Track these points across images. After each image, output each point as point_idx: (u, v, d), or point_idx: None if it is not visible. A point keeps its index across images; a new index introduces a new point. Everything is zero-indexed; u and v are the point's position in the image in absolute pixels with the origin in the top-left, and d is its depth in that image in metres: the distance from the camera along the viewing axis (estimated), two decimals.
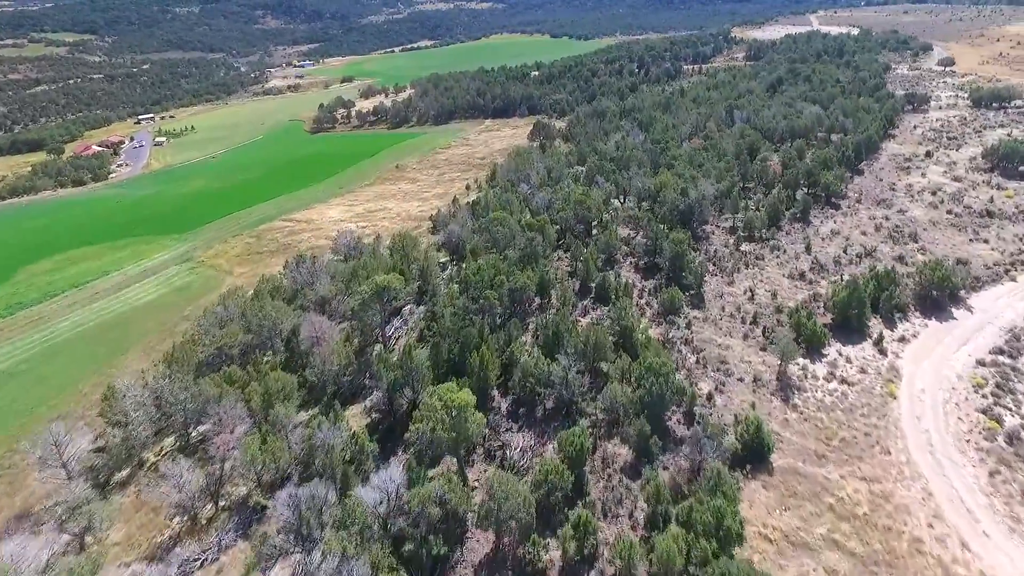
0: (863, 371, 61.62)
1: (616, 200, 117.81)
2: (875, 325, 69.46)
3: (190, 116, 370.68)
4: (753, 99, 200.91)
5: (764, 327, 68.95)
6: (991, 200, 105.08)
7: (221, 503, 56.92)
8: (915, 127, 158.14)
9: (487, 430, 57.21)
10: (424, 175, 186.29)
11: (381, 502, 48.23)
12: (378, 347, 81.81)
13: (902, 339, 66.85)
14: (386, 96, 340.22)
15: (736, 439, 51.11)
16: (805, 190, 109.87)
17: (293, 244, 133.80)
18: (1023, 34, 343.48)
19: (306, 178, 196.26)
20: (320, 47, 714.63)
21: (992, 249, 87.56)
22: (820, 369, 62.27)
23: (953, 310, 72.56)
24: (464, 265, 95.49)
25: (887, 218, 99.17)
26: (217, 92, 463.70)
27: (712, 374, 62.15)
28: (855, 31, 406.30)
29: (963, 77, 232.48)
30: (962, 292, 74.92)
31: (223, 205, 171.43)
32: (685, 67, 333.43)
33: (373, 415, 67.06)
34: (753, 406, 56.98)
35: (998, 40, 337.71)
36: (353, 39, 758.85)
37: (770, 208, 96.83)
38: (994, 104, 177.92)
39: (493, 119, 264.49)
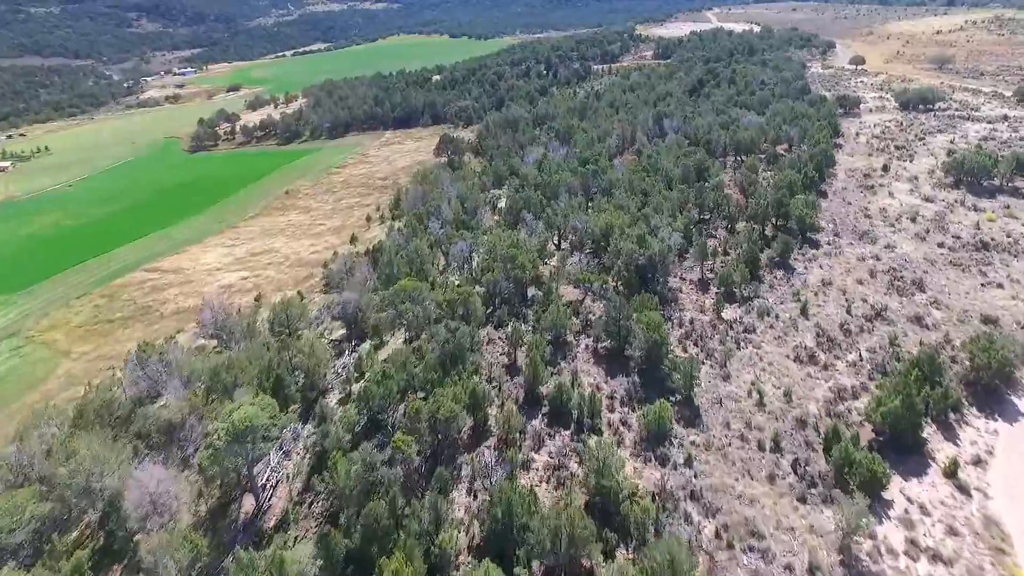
0: (953, 532, 42.50)
1: (552, 244, 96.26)
2: (932, 436, 51.16)
3: (45, 134, 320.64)
4: (676, 103, 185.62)
5: (795, 459, 49.01)
6: (977, 226, 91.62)
7: None
8: (857, 134, 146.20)
9: None
10: (318, 202, 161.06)
11: None
12: (247, 502, 57.00)
13: (977, 461, 48.53)
14: (275, 107, 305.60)
15: None
16: (774, 221, 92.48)
17: (155, 307, 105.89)
18: (905, 32, 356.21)
19: (180, 210, 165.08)
20: (204, 52, 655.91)
21: (1013, 297, 72.38)
22: (893, 534, 42.50)
23: (1015, 400, 55.54)
24: (366, 356, 71.57)
25: (878, 258, 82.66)
26: (83, 104, 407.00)
27: (744, 560, 41.23)
28: (756, 28, 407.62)
29: (876, 76, 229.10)
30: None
31: (74, 250, 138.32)
32: (594, 67, 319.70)
33: None
34: None
35: (888, 38, 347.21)
36: (240, 43, 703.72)
37: (747, 255, 77.88)
38: (920, 106, 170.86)
39: (394, 130, 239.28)
